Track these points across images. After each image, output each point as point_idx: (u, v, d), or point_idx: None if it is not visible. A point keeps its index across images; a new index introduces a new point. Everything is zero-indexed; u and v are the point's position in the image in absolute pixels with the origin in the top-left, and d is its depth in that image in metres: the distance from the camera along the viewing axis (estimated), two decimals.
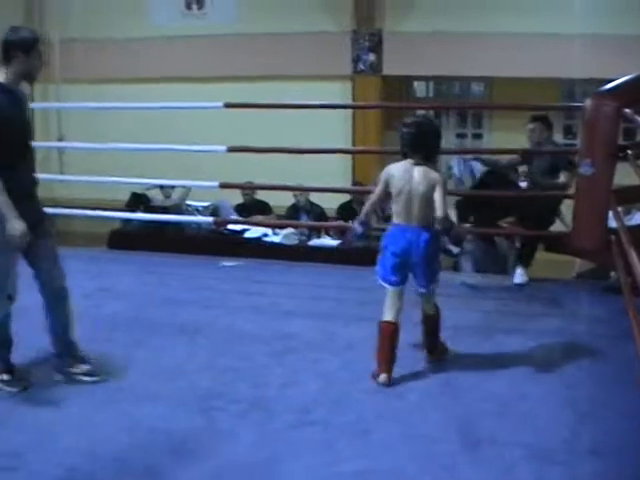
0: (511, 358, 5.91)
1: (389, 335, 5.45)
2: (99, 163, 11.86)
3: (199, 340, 6.26)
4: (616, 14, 14.03)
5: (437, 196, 5.33)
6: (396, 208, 5.48)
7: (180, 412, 4.86)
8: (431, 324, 5.76)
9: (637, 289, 4.85)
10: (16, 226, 4.77)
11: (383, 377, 5.36)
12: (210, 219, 10.13)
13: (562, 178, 7.76)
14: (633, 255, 4.67)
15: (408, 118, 5.61)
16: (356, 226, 5.77)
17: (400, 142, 5.56)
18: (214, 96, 11.72)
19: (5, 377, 5.23)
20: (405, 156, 5.53)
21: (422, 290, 5.59)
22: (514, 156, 8.34)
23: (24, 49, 4.86)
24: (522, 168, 8.55)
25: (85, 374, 5.35)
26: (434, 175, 5.41)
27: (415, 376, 5.49)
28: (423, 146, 5.46)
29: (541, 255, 8.37)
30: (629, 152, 6.97)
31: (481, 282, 8.09)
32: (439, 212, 5.29)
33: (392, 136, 16.02)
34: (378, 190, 5.56)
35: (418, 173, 5.41)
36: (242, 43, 14.55)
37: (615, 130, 7.11)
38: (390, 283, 5.47)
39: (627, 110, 6.68)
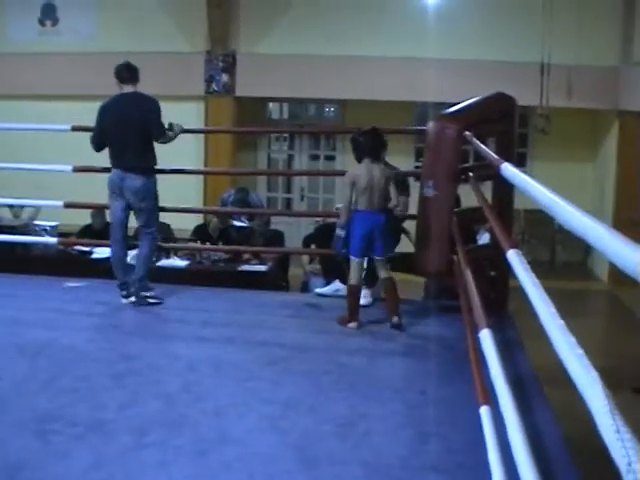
0: (353, 379, 5.93)
1: (355, 294, 7.31)
2: None
3: (39, 361, 6.09)
4: (470, 40, 14.38)
5: (392, 189, 7.22)
6: (361, 199, 7.15)
7: (15, 435, 4.70)
8: (389, 285, 7.36)
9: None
10: None
11: (353, 324, 7.24)
12: (55, 240, 9.94)
13: (401, 205, 7.84)
14: (468, 274, 4.76)
15: (362, 129, 7.44)
16: (339, 231, 7.25)
17: (357, 148, 7.33)
18: (66, 115, 11.58)
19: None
20: (360, 159, 7.26)
21: (380, 257, 7.32)
22: None
23: None
24: None
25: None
26: (388, 172, 7.35)
27: (255, 398, 5.44)
28: (377, 150, 7.31)
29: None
30: (470, 174, 7.11)
31: (327, 302, 8.14)
32: (394, 201, 7.23)
33: (244, 158, 16.10)
34: (349, 193, 7.19)
35: (377, 171, 7.17)
36: (96, 61, 14.34)
37: (457, 152, 7.24)
38: (356, 256, 7.23)
39: (467, 133, 6.81)
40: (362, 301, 7.67)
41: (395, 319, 7.27)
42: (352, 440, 4.79)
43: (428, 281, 9.08)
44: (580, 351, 2.04)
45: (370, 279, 7.93)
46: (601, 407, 1.69)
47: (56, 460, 4.37)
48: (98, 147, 7.86)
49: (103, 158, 7.94)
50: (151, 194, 7.76)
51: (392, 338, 7.08)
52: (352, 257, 7.28)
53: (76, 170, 9.19)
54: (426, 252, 7.39)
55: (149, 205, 7.76)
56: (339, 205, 8.15)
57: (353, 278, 7.28)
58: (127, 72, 7.69)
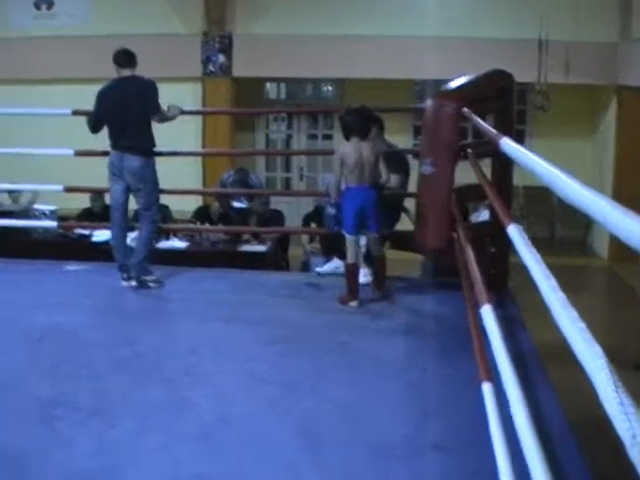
0: (354, 359, 5.95)
1: (353, 272, 7.35)
2: None
3: (41, 347, 6.09)
4: (467, 17, 14.34)
5: (382, 166, 7.28)
6: (351, 177, 7.20)
7: (19, 422, 4.70)
8: (380, 263, 7.57)
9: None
10: None
11: (354, 303, 7.27)
12: (54, 223, 9.93)
13: (392, 182, 7.79)
14: (469, 250, 4.75)
15: (350, 107, 7.51)
16: (329, 210, 7.57)
17: (345, 126, 7.34)
18: (64, 98, 11.50)
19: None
20: (348, 138, 7.29)
21: (374, 234, 7.41)
22: None
23: None
24: None
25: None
26: (376, 148, 7.34)
27: (256, 380, 5.45)
28: (365, 128, 7.31)
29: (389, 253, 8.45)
30: (469, 151, 7.09)
31: (327, 281, 8.14)
32: (384, 177, 7.34)
33: (242, 139, 16.06)
34: (338, 171, 7.24)
35: (366, 149, 7.21)
36: (92, 44, 14.30)
37: (455, 130, 7.22)
38: (351, 233, 7.25)
39: (465, 110, 6.79)
40: (362, 280, 7.67)
41: (377, 294, 7.55)
42: (354, 421, 4.80)
43: (425, 259, 9.09)
44: (582, 324, 2.03)
45: (369, 257, 7.93)
46: (604, 381, 1.68)
47: (60, 446, 4.38)
48: (94, 129, 8.02)
49: (103, 141, 7.96)
50: (150, 175, 7.87)
51: (392, 316, 7.09)
52: (347, 235, 7.31)
53: (77, 154, 9.18)
54: (426, 229, 7.38)
55: (148, 187, 7.86)
56: (327, 180, 8.23)
57: (350, 256, 7.33)
58: (125, 58, 7.87)
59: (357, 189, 7.23)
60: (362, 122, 7.35)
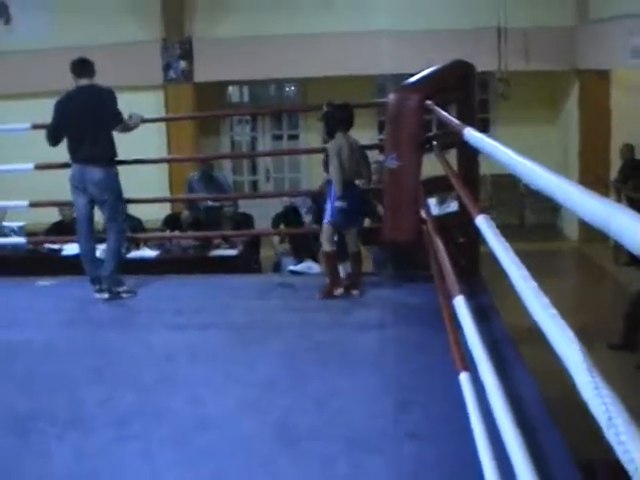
0: (328, 354, 5.95)
1: (333, 259, 7.40)
2: None
3: (15, 361, 6.05)
4: (424, 10, 14.39)
5: (362, 161, 7.60)
6: (343, 171, 7.16)
7: None
8: (357, 259, 7.56)
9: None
10: None
11: (339, 290, 7.32)
12: (23, 240, 9.86)
13: (365, 174, 7.81)
14: (438, 241, 4.76)
15: (334, 103, 7.50)
16: (339, 203, 7.16)
17: (334, 121, 7.37)
18: (27, 113, 11.40)
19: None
20: (332, 133, 7.33)
21: (354, 229, 7.53)
22: None
23: None
24: None
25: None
26: (359, 143, 7.62)
27: (232, 382, 5.45)
28: (351, 122, 7.44)
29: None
30: (434, 143, 7.11)
31: (299, 281, 8.15)
32: (365, 173, 7.85)
33: (207, 143, 16.03)
34: (337, 163, 7.15)
35: (353, 142, 7.40)
36: (51, 57, 14.20)
37: (419, 122, 7.22)
38: (341, 227, 7.41)
39: (428, 102, 6.80)
40: None
41: (355, 292, 7.44)
42: (331, 415, 4.81)
43: (376, 253, 9.16)
44: (554, 311, 2.04)
45: (342, 253, 7.94)
46: (579, 366, 1.68)
47: (39, 459, 4.36)
48: (54, 142, 7.82)
49: (65, 153, 7.88)
50: (113, 185, 7.72)
51: (365, 311, 7.11)
52: (334, 228, 7.36)
53: (37, 168, 9.12)
54: (394, 223, 7.38)
55: (112, 197, 7.71)
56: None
57: (328, 245, 7.36)
58: (82, 67, 7.70)
59: (349, 183, 7.29)
60: (349, 116, 7.44)
